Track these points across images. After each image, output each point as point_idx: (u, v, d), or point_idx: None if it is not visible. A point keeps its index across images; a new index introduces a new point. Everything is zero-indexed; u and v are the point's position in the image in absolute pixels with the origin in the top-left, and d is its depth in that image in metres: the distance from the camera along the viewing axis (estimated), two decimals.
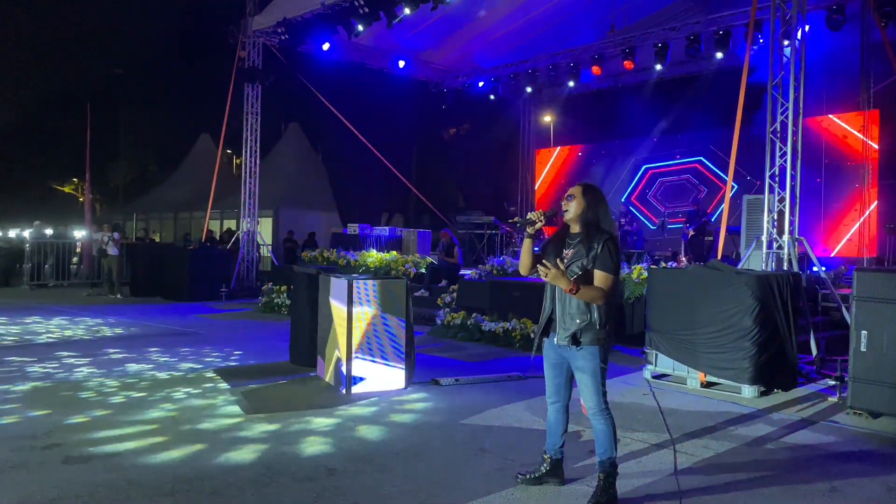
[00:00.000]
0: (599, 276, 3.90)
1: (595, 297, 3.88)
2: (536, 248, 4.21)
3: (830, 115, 15.15)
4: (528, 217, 4.10)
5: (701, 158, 17.86)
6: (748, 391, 6.79)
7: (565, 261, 3.98)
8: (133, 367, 7.74)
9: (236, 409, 6.04)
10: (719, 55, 14.89)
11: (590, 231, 3.98)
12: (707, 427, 5.72)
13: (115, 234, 15.81)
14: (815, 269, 9.80)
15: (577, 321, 3.93)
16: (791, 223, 9.10)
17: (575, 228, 4.06)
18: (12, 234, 21.63)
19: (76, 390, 6.57)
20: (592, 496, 3.98)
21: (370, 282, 6.68)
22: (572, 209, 4.05)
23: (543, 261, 3.95)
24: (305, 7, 14.98)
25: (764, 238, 9.26)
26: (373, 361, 6.66)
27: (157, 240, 27.28)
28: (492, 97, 20.21)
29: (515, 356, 8.91)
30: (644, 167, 19.24)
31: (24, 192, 38.38)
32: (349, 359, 6.55)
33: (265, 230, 21.29)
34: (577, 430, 5.29)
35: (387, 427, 5.54)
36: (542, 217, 4.07)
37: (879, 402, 5.87)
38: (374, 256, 14.41)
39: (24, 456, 4.66)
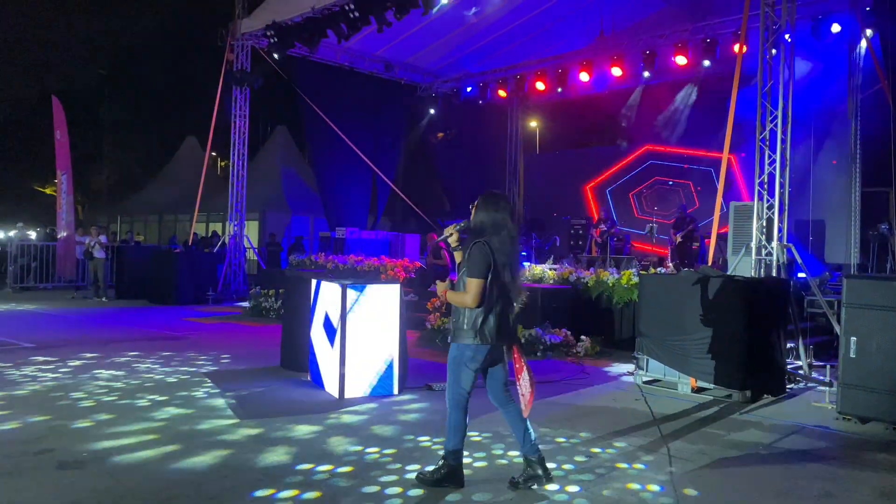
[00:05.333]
0: (466, 283, 4.16)
1: (461, 302, 4.16)
2: None
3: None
4: (444, 233, 4.40)
5: (691, 164, 17.96)
6: (738, 396, 6.85)
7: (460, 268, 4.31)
8: (124, 371, 7.67)
9: (231, 414, 6.01)
10: (707, 63, 14.97)
11: (468, 238, 4.26)
12: (701, 433, 5.76)
13: (103, 237, 15.68)
14: (800, 275, 9.89)
15: (451, 325, 4.33)
16: (780, 230, 9.18)
17: None
18: None
19: (66, 395, 6.51)
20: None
21: (362, 287, 6.67)
22: (471, 219, 4.32)
23: None
24: (295, 11, 14.92)
25: (753, 245, 9.33)
26: (366, 366, 6.65)
27: (142, 242, 27.03)
28: (480, 102, 20.24)
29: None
30: (630, 173, 19.31)
31: (4, 194, 37.83)
32: (342, 364, 6.54)
33: (251, 233, 21.15)
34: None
35: (383, 431, 5.54)
36: (455, 231, 4.37)
37: (868, 408, 5.94)
38: (363, 261, 14.35)
39: (18, 462, 4.61)
